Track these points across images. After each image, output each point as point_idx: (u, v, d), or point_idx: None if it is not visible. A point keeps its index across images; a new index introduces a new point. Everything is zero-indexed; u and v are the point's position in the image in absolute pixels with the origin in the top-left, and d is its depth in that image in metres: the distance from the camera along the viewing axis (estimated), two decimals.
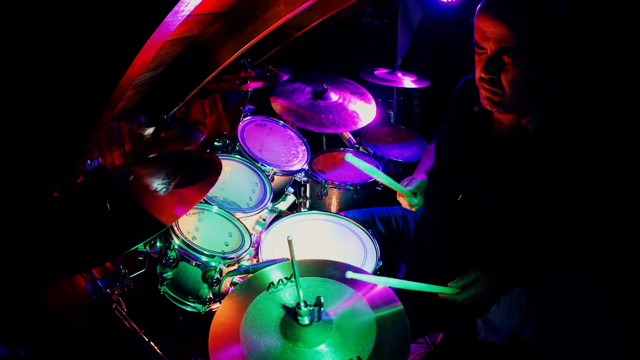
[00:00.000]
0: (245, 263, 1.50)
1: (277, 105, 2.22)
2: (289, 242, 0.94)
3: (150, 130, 2.05)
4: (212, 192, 1.68)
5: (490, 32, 1.16)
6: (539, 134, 1.24)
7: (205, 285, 1.44)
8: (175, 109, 2.29)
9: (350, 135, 2.70)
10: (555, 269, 1.37)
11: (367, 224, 1.75)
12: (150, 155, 1.55)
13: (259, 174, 1.96)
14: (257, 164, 1.97)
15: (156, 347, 1.32)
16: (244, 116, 2.25)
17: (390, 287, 1.12)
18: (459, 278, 1.28)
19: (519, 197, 1.30)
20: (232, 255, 1.47)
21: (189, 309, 1.48)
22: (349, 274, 1.06)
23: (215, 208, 1.65)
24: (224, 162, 1.78)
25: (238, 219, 1.66)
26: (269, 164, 2.01)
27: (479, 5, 1.20)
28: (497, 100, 1.23)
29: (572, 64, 1.19)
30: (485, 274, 1.27)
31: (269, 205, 1.87)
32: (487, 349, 1.53)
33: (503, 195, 1.33)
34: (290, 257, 0.97)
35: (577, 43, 1.16)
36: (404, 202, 1.55)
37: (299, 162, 2.19)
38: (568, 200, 1.24)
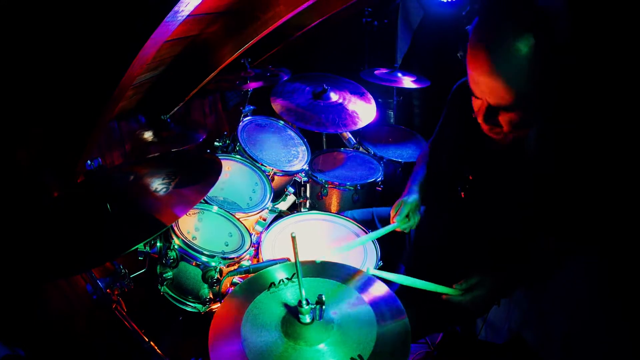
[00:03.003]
0: (245, 263, 1.50)
1: (277, 105, 2.22)
2: (293, 238, 0.94)
3: (149, 134, 2.05)
4: (212, 192, 1.68)
5: (487, 88, 1.06)
6: (541, 136, 1.24)
7: (206, 285, 1.44)
8: (175, 109, 2.29)
9: (350, 135, 2.70)
10: (555, 269, 1.37)
11: (367, 224, 1.75)
12: (150, 155, 1.54)
13: (259, 174, 1.96)
14: (257, 164, 1.97)
15: (156, 347, 1.32)
16: (244, 116, 2.25)
17: (395, 286, 1.14)
18: (462, 280, 1.27)
19: (519, 199, 1.30)
20: (232, 255, 1.47)
21: (189, 309, 1.48)
22: (371, 271, 1.17)
23: (215, 208, 1.65)
24: (224, 162, 1.78)
25: (238, 219, 1.66)
26: (269, 164, 2.01)
27: (471, 34, 1.06)
28: (498, 132, 1.20)
29: (572, 61, 1.16)
30: (488, 276, 1.27)
31: (269, 205, 1.86)
32: (487, 349, 1.53)
33: (503, 197, 1.33)
34: (293, 253, 0.96)
35: (577, 38, 1.10)
36: (401, 229, 1.58)
37: (299, 162, 2.19)
38: (569, 201, 1.24)
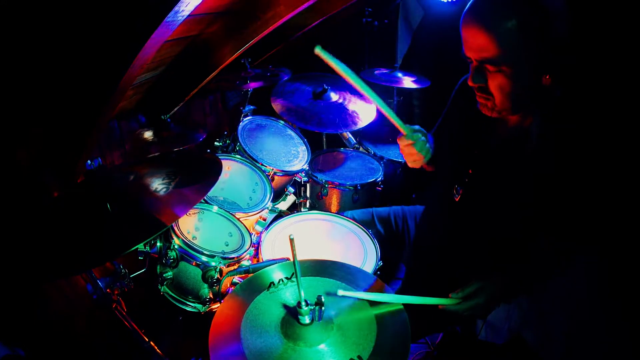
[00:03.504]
0: (245, 263, 1.50)
1: (277, 105, 2.22)
2: (291, 240, 0.94)
3: (149, 134, 2.05)
4: (212, 192, 1.68)
5: (471, 42, 1.11)
6: (541, 135, 1.23)
7: (206, 285, 1.44)
8: (175, 109, 2.29)
9: (350, 135, 2.70)
10: (556, 271, 1.37)
11: (366, 224, 1.74)
12: (150, 155, 1.55)
13: (259, 174, 1.96)
14: (257, 164, 1.97)
15: (156, 347, 1.32)
16: (244, 116, 2.25)
17: (395, 285, 1.12)
18: (459, 289, 1.25)
19: (519, 199, 1.29)
20: (232, 255, 1.47)
21: (189, 309, 1.48)
22: (340, 292, 1.04)
23: (215, 208, 1.65)
24: (224, 162, 1.78)
25: (238, 219, 1.66)
26: (269, 164, 2.01)
27: (463, 12, 1.14)
28: (490, 106, 1.21)
29: (572, 60, 1.17)
30: (486, 283, 1.25)
31: (269, 205, 1.87)
32: (487, 349, 1.53)
33: (503, 197, 1.33)
34: (292, 256, 0.96)
35: (576, 37, 1.12)
36: (405, 149, 1.40)
37: (299, 162, 2.19)
38: (569, 201, 1.23)
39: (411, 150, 1.39)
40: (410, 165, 1.48)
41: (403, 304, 1.06)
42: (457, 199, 1.45)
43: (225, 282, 1.47)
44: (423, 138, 1.40)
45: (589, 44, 1.49)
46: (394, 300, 1.08)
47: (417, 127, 1.42)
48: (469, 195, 1.43)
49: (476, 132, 1.40)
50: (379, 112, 2.40)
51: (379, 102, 1.33)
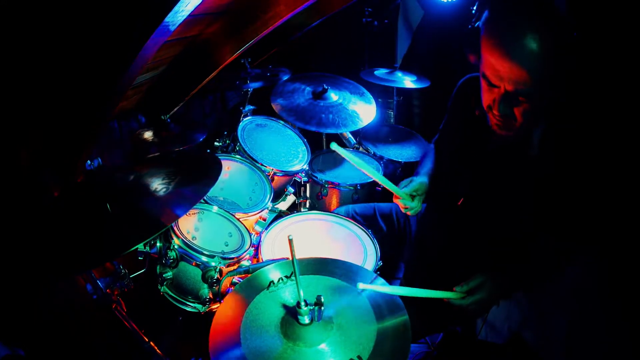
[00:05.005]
0: (245, 263, 1.50)
1: (277, 105, 2.22)
2: (290, 240, 0.94)
3: (149, 134, 2.05)
4: (212, 192, 1.68)
5: (506, 73, 1.07)
6: (544, 139, 1.23)
7: (205, 285, 1.44)
8: (175, 109, 2.29)
9: (350, 135, 2.70)
10: (556, 271, 1.37)
11: (368, 219, 1.74)
12: (150, 155, 1.55)
13: (259, 174, 1.96)
14: (257, 164, 1.97)
15: (156, 347, 1.32)
16: (244, 116, 2.25)
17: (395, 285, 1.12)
18: (463, 283, 1.27)
19: (519, 199, 1.29)
20: (232, 255, 1.47)
21: (189, 309, 1.48)
22: (361, 285, 1.07)
23: (215, 208, 1.65)
24: (224, 162, 1.78)
25: (238, 219, 1.66)
26: (269, 164, 2.01)
27: (484, 28, 1.10)
28: (512, 127, 1.20)
29: (573, 62, 1.16)
30: (490, 278, 1.26)
31: (269, 205, 1.87)
32: (487, 349, 1.53)
33: (503, 198, 1.33)
34: (290, 256, 0.96)
35: (579, 39, 1.12)
36: (400, 204, 1.52)
37: (299, 162, 2.19)
38: (569, 201, 1.23)
39: (406, 206, 1.51)
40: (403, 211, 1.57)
41: (403, 304, 1.06)
42: (458, 204, 1.45)
43: (225, 282, 1.47)
44: (416, 203, 1.50)
45: (591, 46, 1.49)
46: (404, 293, 1.10)
47: (409, 188, 1.50)
48: (470, 196, 1.43)
49: (476, 132, 1.40)
50: (378, 112, 2.41)
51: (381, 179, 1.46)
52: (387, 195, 2.28)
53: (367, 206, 1.87)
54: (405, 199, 1.48)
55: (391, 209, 1.85)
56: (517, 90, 1.09)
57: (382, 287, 1.10)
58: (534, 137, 1.25)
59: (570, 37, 1.07)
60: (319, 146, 2.63)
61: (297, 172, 2.13)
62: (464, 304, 1.26)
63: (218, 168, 1.32)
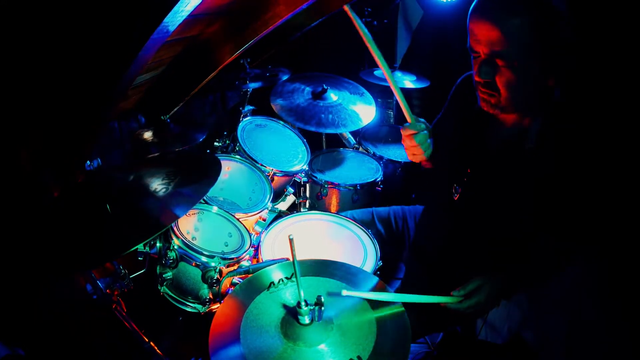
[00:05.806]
0: (245, 263, 1.50)
1: (276, 105, 2.22)
2: (291, 240, 0.94)
3: (149, 134, 2.06)
4: (211, 192, 1.68)
5: (482, 35, 1.13)
6: (541, 136, 1.23)
7: (205, 286, 1.44)
8: (175, 109, 2.29)
9: (349, 135, 2.70)
10: (556, 271, 1.37)
11: (366, 224, 1.74)
12: (150, 155, 1.54)
13: (258, 174, 1.96)
14: (257, 164, 1.97)
15: (156, 347, 1.32)
16: (244, 116, 2.25)
17: (395, 285, 1.12)
18: (461, 287, 1.26)
19: (518, 198, 1.29)
20: (232, 256, 1.47)
21: (188, 309, 1.48)
22: (344, 292, 1.04)
23: (215, 208, 1.65)
24: (223, 162, 1.78)
25: (238, 219, 1.66)
26: (269, 164, 2.01)
27: (471, 6, 1.17)
28: (494, 102, 1.22)
29: (574, 62, 1.17)
30: (487, 281, 1.26)
31: (269, 205, 1.87)
32: (487, 349, 1.53)
33: (502, 197, 1.33)
34: (291, 256, 0.96)
35: (579, 39, 1.13)
36: (407, 139, 1.43)
37: (299, 162, 2.19)
38: (569, 201, 1.23)
39: (412, 142, 1.42)
40: (410, 158, 1.51)
41: (404, 304, 1.06)
42: (455, 198, 1.45)
43: (225, 283, 1.47)
44: (425, 132, 1.41)
45: (590, 46, 1.49)
46: (397, 299, 1.07)
47: (422, 120, 1.45)
48: (468, 195, 1.43)
49: (475, 131, 1.40)
50: (378, 113, 2.41)
51: (392, 80, 1.37)
52: (387, 198, 2.29)
53: (365, 211, 1.87)
54: (413, 124, 1.40)
55: (389, 212, 1.85)
56: (493, 51, 1.12)
57: (369, 293, 1.08)
58: (530, 134, 1.25)
59: (566, 37, 1.09)
60: (319, 146, 2.63)
61: (296, 173, 2.13)
62: (462, 308, 1.25)
63: (218, 168, 1.32)
